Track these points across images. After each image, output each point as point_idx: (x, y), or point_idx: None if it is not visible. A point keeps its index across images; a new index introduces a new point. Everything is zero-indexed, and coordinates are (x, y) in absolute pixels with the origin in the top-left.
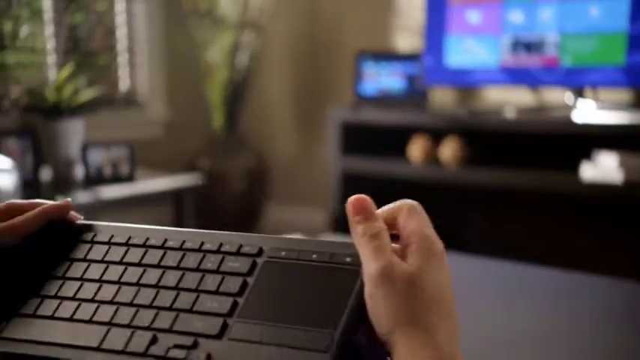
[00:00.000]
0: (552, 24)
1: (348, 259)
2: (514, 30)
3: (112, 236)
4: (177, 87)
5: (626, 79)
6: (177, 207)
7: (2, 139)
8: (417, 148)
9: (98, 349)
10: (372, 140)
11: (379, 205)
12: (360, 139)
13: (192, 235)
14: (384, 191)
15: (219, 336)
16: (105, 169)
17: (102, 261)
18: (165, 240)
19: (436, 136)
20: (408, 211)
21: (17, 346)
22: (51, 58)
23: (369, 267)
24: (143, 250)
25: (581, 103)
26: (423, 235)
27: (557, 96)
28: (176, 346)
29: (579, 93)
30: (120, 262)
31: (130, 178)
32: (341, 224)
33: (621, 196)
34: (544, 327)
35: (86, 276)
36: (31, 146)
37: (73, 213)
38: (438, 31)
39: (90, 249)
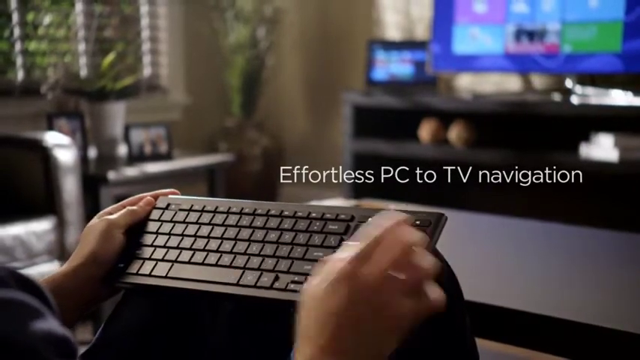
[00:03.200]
0: (553, 13)
1: (417, 222)
2: (517, 19)
3: (230, 207)
4: (197, 73)
5: (622, 65)
6: (210, 183)
7: (54, 120)
8: (425, 130)
9: (237, 284)
10: (383, 123)
11: (389, 184)
12: (371, 122)
13: (289, 206)
14: (393, 171)
15: None
16: (145, 147)
17: (223, 224)
18: (275, 211)
19: (444, 118)
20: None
21: (163, 281)
22: (81, 46)
23: None
24: (265, 218)
25: (580, 87)
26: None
27: (558, 81)
28: (293, 282)
29: (578, 78)
30: (249, 226)
31: (168, 156)
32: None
33: (617, 173)
34: (546, 268)
35: (212, 235)
36: (80, 126)
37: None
38: (446, 20)
39: (213, 217)
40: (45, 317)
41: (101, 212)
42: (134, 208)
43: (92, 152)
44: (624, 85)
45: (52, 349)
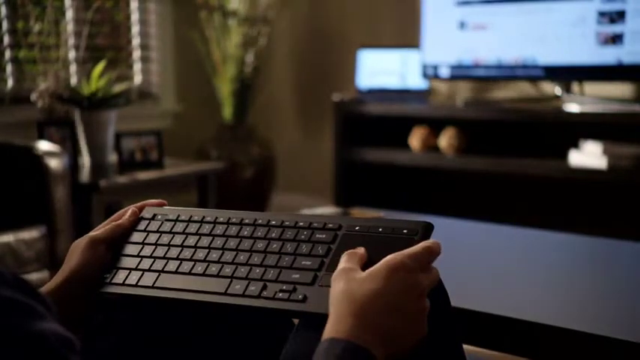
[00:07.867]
0: (540, 26)
1: (405, 232)
2: (508, 27)
3: (217, 217)
4: (188, 80)
5: (611, 73)
6: (201, 190)
7: (44, 128)
8: (416, 138)
9: (225, 293)
10: (374, 131)
11: (380, 190)
12: (362, 129)
13: (277, 215)
14: (384, 178)
15: (311, 283)
16: (136, 155)
17: (210, 234)
18: (262, 220)
19: (434, 126)
20: None
21: (150, 291)
22: (71, 54)
23: None
24: (252, 227)
25: (569, 95)
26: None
27: (547, 88)
28: (281, 291)
29: (567, 86)
30: (236, 236)
31: (159, 164)
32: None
33: (605, 180)
34: (534, 275)
35: (199, 244)
36: (70, 134)
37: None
38: (437, 26)
39: (200, 226)
40: (49, 320)
41: (90, 232)
42: (118, 221)
43: (83, 160)
44: (613, 94)
45: (59, 344)
